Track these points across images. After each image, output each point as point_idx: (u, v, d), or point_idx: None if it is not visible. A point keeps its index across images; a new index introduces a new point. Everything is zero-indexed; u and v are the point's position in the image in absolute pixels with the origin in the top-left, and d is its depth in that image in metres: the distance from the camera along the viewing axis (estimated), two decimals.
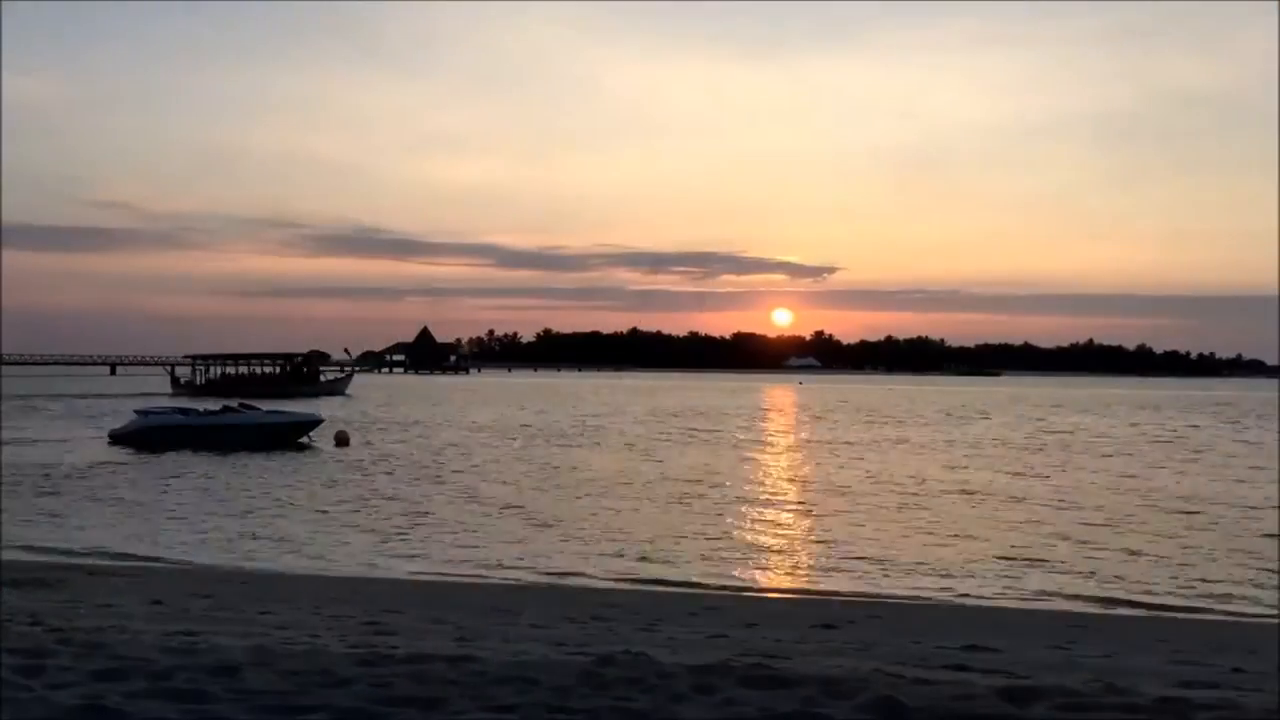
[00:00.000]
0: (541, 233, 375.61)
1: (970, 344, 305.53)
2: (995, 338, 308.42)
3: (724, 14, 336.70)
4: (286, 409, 37.65)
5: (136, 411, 34.47)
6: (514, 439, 38.23)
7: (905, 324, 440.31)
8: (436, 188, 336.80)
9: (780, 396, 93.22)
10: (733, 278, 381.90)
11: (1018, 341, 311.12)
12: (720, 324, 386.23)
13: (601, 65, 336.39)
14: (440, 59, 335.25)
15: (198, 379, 79.01)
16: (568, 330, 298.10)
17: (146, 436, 31.78)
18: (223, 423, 32.62)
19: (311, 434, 34.05)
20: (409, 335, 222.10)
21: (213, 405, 36.11)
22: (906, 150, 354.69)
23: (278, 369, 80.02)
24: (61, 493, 21.73)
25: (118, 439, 32.43)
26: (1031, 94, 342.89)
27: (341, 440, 33.81)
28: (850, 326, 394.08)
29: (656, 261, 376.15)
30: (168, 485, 23.23)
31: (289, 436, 33.12)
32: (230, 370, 79.32)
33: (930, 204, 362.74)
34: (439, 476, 25.86)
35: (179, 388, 77.60)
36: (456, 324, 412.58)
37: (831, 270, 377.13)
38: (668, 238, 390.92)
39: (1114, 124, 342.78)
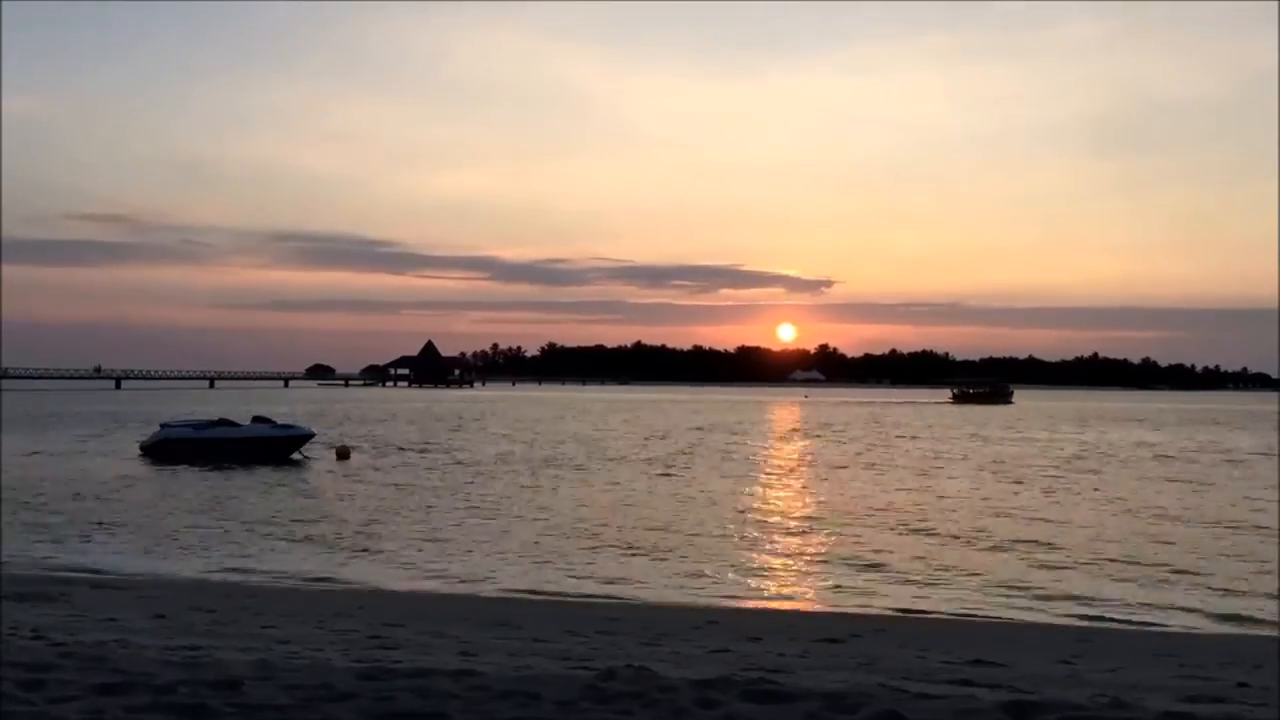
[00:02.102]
0: (534, 246, 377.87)
1: (973, 357, 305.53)
2: (997, 351, 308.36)
3: (712, 28, 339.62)
4: (291, 424, 37.77)
5: (161, 424, 35.80)
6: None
7: (905, 337, 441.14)
8: (432, 201, 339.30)
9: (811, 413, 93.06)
10: (731, 291, 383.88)
11: (1022, 355, 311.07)
12: (721, 337, 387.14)
13: (589, 79, 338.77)
14: (435, 75, 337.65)
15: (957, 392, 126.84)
16: (571, 344, 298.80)
17: (164, 449, 33.16)
18: (219, 436, 33.40)
19: (303, 449, 34.27)
20: (407, 348, 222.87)
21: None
22: (901, 162, 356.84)
23: (983, 390, 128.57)
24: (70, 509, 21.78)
25: (144, 450, 33.84)
26: (1030, 103, 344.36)
27: (343, 454, 34.18)
28: (851, 339, 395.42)
29: (655, 275, 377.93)
30: (164, 501, 23.26)
31: (283, 450, 33.60)
32: (963, 390, 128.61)
33: (926, 216, 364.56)
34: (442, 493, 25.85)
35: (955, 398, 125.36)
36: (455, 337, 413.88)
37: (829, 283, 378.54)
38: (663, 251, 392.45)
39: (1115, 133, 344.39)
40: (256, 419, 35.75)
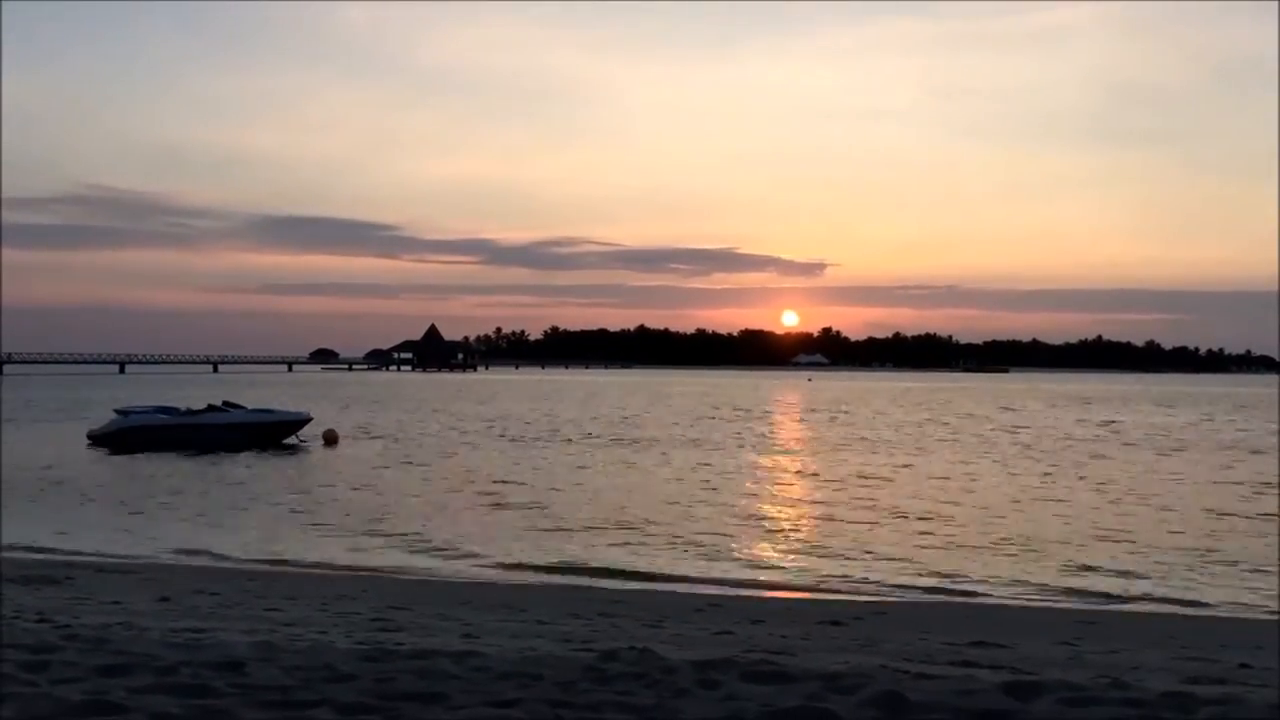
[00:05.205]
0: (527, 230, 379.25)
1: (975, 339, 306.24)
2: (999, 334, 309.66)
3: (695, 15, 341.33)
4: (275, 407, 36.76)
5: (116, 411, 33.13)
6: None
7: (905, 320, 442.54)
8: (421, 186, 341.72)
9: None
10: (724, 275, 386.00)
11: (1024, 338, 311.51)
12: (722, 320, 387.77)
13: (576, 67, 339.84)
14: (427, 63, 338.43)
15: None
16: (573, 327, 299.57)
17: (126, 437, 31.05)
18: (206, 422, 31.89)
19: (300, 433, 33.41)
20: (409, 332, 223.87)
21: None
22: (884, 147, 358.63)
23: None
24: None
25: (97, 440, 31.58)
26: (1027, 92, 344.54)
27: (330, 439, 33.21)
28: (850, 322, 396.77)
29: (649, 259, 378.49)
30: (154, 486, 23.34)
31: (276, 435, 32.50)
32: None
33: (917, 200, 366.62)
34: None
35: None
36: (457, 321, 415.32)
37: (822, 266, 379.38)
38: (653, 235, 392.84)
39: (1113, 120, 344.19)
40: (226, 404, 34.05)
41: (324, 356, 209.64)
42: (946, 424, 48.23)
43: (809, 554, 15.71)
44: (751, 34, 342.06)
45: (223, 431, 31.52)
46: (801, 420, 52.29)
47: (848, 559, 15.12)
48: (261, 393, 65.43)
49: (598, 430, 41.85)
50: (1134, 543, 16.43)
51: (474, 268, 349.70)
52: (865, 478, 25.43)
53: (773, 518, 19.17)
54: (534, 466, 27.77)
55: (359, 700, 5.19)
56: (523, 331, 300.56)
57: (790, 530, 17.78)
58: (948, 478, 25.55)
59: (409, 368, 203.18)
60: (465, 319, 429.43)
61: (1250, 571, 14.23)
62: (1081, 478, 25.78)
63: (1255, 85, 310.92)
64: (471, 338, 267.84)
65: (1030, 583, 13.53)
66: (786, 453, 33.36)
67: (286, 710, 5.02)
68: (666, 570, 14.21)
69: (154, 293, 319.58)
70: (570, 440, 36.83)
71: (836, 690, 5.52)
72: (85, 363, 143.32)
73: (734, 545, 16.18)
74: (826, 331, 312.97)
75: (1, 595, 9.43)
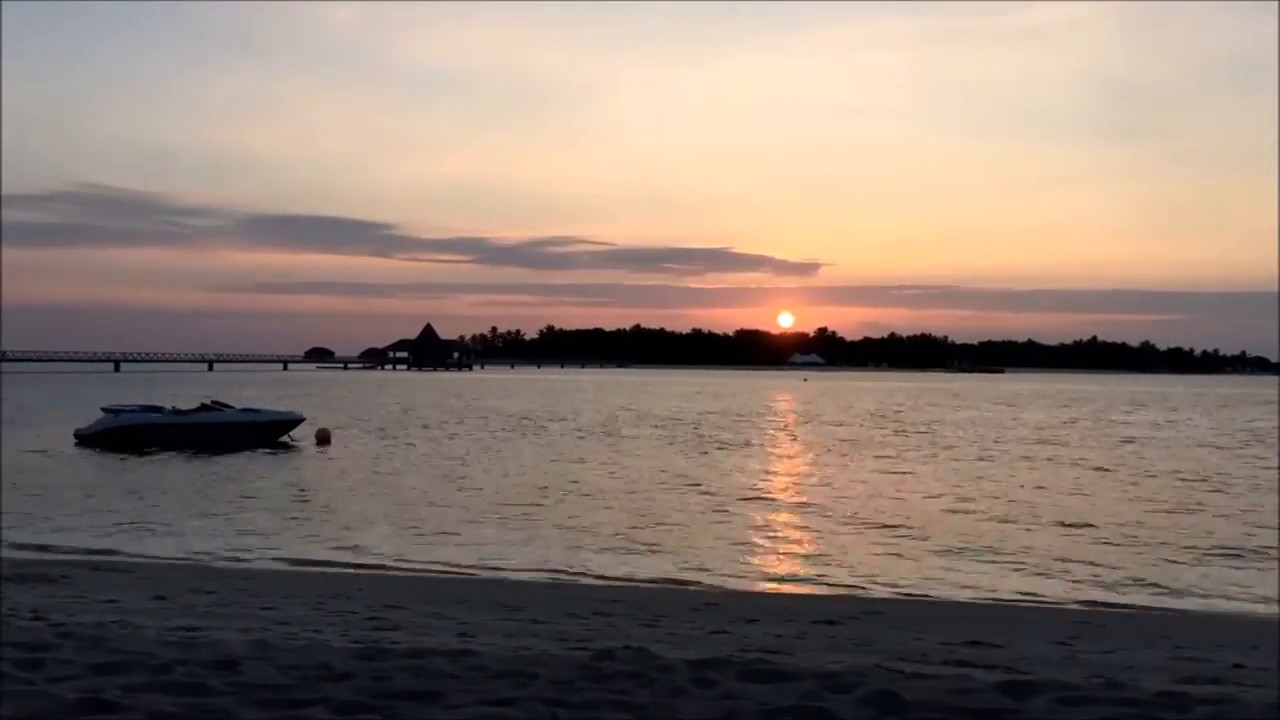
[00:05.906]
0: (520, 229, 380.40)
1: (971, 340, 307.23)
2: (995, 334, 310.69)
3: (683, 14, 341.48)
4: (266, 406, 36.53)
5: (104, 409, 32.42)
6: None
7: (901, 320, 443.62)
8: (414, 186, 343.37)
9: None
10: (717, 275, 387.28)
11: (1020, 338, 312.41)
12: (717, 320, 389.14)
13: (563, 67, 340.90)
14: (422, 60, 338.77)
15: None
16: (569, 327, 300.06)
17: (116, 436, 30.72)
18: (199, 421, 31.68)
19: (292, 433, 33.32)
20: (404, 331, 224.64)
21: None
22: (874, 145, 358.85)
23: None
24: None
25: (84, 440, 31.13)
26: (1030, 88, 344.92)
27: (323, 439, 33.13)
28: (845, 322, 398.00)
29: (642, 259, 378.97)
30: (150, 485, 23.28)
31: (268, 435, 32.40)
32: None
33: (911, 200, 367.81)
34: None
35: None
36: (453, 320, 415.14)
37: (816, 266, 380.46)
38: (644, 235, 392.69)
39: (1114, 117, 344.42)
40: (216, 403, 33.72)
41: (319, 355, 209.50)
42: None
43: (805, 553, 15.72)
44: (744, 33, 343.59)
45: (214, 431, 31.36)
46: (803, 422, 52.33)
47: (844, 558, 15.12)
48: (257, 392, 65.34)
49: (591, 427, 41.87)
50: (1130, 542, 16.45)
51: (469, 267, 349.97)
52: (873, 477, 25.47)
53: (768, 517, 19.17)
54: (533, 463, 27.78)
55: (355, 699, 5.19)
56: (518, 331, 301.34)
57: (786, 530, 17.79)
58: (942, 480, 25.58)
59: (405, 367, 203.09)
60: (461, 318, 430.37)
61: (1248, 571, 14.26)
62: (1116, 472, 25.82)
63: (1252, 84, 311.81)
64: (467, 337, 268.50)
65: (1026, 582, 13.54)
66: (784, 453, 33.39)
67: (282, 709, 5.02)
68: (663, 570, 14.21)
69: (150, 291, 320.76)
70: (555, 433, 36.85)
71: (832, 689, 5.53)
72: (81, 361, 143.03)
73: (731, 545, 16.18)
74: (822, 331, 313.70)
75: None
